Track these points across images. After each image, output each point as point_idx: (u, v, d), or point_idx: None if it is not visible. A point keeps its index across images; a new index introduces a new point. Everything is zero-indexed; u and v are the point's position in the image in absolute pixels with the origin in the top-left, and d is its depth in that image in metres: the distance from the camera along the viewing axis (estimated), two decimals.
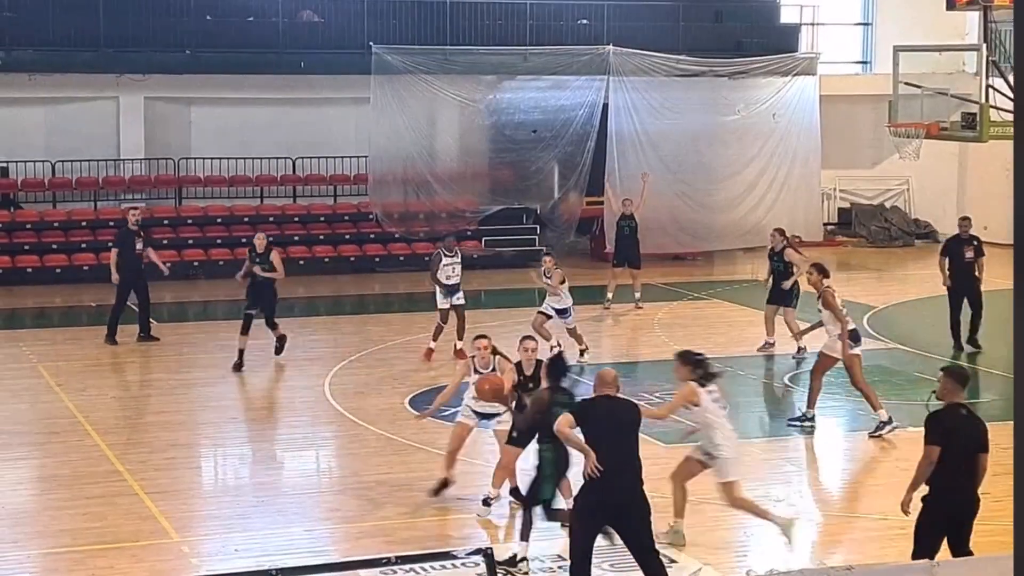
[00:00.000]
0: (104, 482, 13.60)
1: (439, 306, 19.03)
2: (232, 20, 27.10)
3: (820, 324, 16.12)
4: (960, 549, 10.06)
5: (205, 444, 15.57)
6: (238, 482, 14.31)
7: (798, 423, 15.78)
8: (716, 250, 29.16)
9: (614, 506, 10.02)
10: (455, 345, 18.91)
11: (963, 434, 10.08)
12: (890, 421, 15.30)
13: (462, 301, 19.20)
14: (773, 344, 19.52)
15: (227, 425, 15.80)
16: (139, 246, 20.30)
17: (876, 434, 15.29)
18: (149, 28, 26.18)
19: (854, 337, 15.52)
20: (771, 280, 19.79)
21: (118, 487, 13.44)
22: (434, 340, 18.88)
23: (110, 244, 20.99)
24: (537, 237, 28.63)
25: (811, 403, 15.76)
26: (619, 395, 10.36)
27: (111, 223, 25.25)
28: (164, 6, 26.42)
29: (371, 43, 26.67)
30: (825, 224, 31.96)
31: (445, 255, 19.14)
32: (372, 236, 27.81)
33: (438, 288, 19.03)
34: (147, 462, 14.33)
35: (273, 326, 18.65)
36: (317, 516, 12.97)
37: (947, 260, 19.96)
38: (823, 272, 15.91)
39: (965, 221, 20.11)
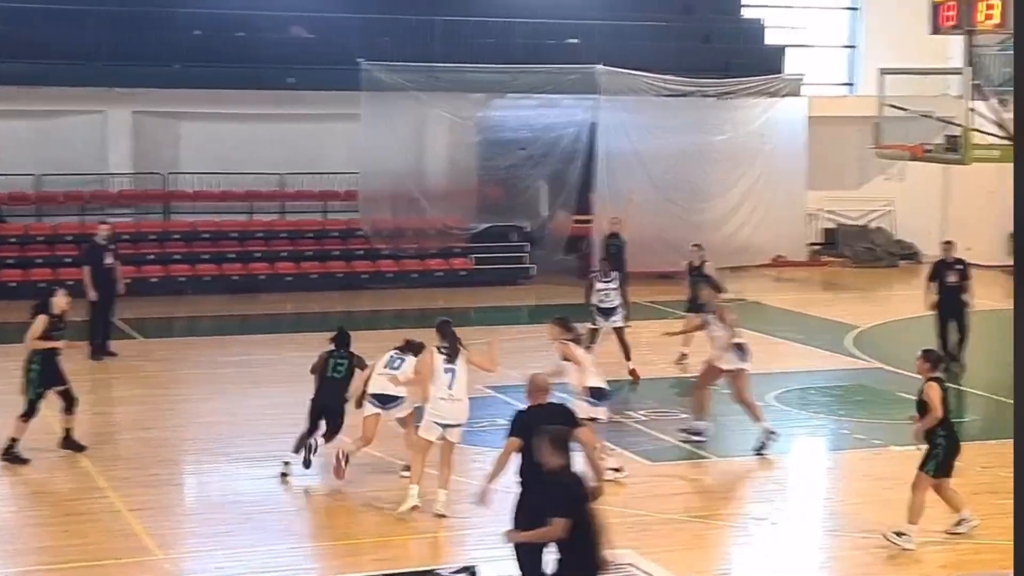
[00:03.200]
0: (87, 499, 13.59)
1: (590, 326, 19.12)
2: (222, 35, 27.17)
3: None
4: None
5: (189, 461, 15.56)
6: (222, 499, 14.28)
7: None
8: None
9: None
10: (628, 367, 19.17)
11: None
12: (774, 432, 15.44)
13: (620, 323, 19.42)
14: (687, 356, 19.91)
15: (212, 442, 15.79)
16: (108, 260, 20.29)
17: (760, 450, 15.39)
18: (138, 42, 26.24)
19: (743, 352, 15.68)
20: (691, 293, 20.44)
21: (101, 504, 13.43)
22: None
23: (75, 261, 20.90)
24: (527, 255, 28.69)
25: (702, 411, 15.97)
26: (552, 401, 10.39)
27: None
28: (154, 20, 26.47)
29: (361, 59, 26.74)
30: (811, 244, 32.10)
31: (599, 280, 19.48)
32: (361, 252, 27.86)
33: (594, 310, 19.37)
34: (130, 479, 14.32)
35: (71, 407, 15.25)
36: (302, 533, 12.99)
37: (935, 284, 20.41)
38: (718, 289, 17.14)
39: (948, 245, 20.76)
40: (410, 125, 28.02)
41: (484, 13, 28.33)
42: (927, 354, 12.60)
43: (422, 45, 27.54)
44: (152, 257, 26.51)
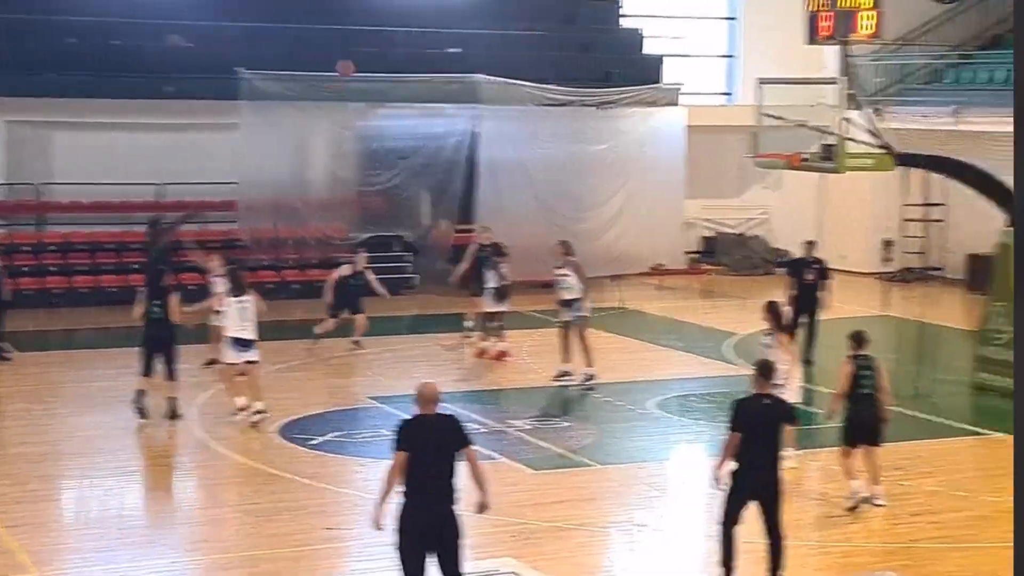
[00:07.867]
0: None
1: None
2: (98, 43, 26.77)
3: None
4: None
5: (68, 476, 15.31)
6: (102, 514, 14.08)
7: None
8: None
9: (432, 527, 9.85)
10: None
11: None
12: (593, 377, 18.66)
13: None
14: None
15: (93, 456, 15.55)
16: None
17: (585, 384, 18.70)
18: (11, 50, 25.76)
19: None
20: None
21: None
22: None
23: None
24: (409, 265, 28.66)
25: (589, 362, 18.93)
26: (440, 412, 10.26)
27: None
28: (27, 28, 26.02)
29: (240, 68, 26.49)
30: (690, 252, 32.47)
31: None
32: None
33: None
34: (7, 495, 14.05)
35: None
36: (183, 547, 12.83)
37: (793, 280, 21.07)
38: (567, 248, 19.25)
39: (809, 245, 21.54)
40: (290, 135, 27.82)
41: (365, 22, 28.24)
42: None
43: (303, 54, 27.37)
44: (26, 269, 26.02)
